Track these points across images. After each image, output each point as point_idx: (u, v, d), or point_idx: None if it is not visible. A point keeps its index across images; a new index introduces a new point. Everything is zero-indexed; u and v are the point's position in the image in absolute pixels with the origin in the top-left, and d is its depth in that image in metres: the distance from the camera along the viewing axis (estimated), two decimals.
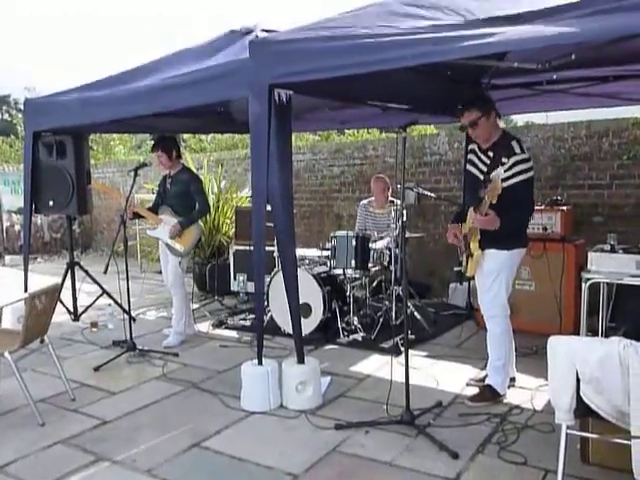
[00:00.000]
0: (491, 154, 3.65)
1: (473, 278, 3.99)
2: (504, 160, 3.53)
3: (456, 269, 4.04)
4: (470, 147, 3.89)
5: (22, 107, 6.08)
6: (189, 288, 6.39)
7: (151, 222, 5.30)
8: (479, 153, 3.75)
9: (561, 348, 2.37)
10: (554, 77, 4.41)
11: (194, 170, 5.91)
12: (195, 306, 6.15)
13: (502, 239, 3.60)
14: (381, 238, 5.47)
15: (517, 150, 3.54)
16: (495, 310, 3.73)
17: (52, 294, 3.83)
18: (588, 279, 3.88)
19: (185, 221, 5.10)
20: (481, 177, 3.68)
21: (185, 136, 16.09)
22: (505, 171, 3.48)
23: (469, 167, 3.83)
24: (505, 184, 3.44)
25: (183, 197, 5.16)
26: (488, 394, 3.76)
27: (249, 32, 4.25)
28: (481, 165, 3.71)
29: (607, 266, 3.86)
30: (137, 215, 5.21)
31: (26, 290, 5.34)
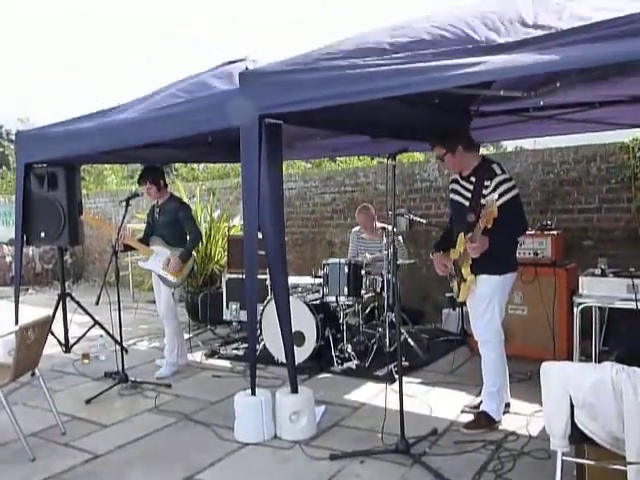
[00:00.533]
0: (473, 179, 3.72)
1: (465, 304, 4.01)
2: (486, 183, 3.60)
3: (448, 295, 4.07)
4: (452, 177, 3.98)
5: (14, 138, 6.11)
6: (182, 317, 6.37)
7: (142, 253, 5.29)
8: (461, 181, 3.84)
9: (554, 374, 2.37)
10: (540, 103, 4.49)
11: (183, 199, 5.93)
12: (188, 336, 6.10)
13: (494, 264, 3.63)
14: (375, 263, 5.48)
15: (498, 171, 3.63)
16: (489, 335, 3.74)
17: (43, 326, 3.80)
18: (580, 303, 3.90)
19: (185, 254, 5.08)
20: (466, 203, 3.73)
21: (177, 165, 16.18)
22: (490, 193, 3.54)
23: (453, 196, 3.91)
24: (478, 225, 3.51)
25: (172, 226, 5.14)
26: (483, 421, 3.73)
27: (240, 62, 4.33)
28: (465, 192, 3.78)
29: (598, 290, 3.88)
30: (128, 247, 5.17)
31: (17, 322, 5.30)
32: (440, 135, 3.87)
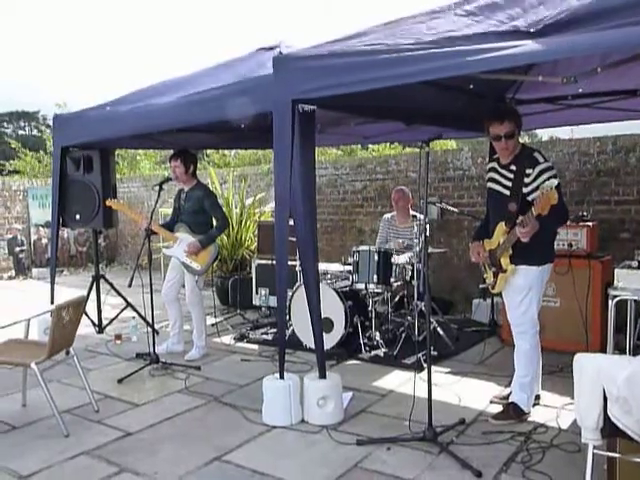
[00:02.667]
0: (513, 167, 3.62)
1: (499, 294, 3.95)
2: (528, 171, 3.52)
3: (482, 286, 3.98)
4: (489, 166, 3.86)
5: (51, 123, 6.22)
6: (211, 302, 6.45)
7: (167, 240, 5.33)
8: (500, 169, 3.72)
9: (587, 366, 2.33)
10: (579, 90, 4.39)
11: (214, 184, 5.95)
12: (217, 320, 6.19)
13: (533, 255, 3.56)
14: (403, 252, 5.45)
15: (540, 160, 3.54)
16: (525, 326, 3.69)
17: (78, 306, 3.89)
18: (615, 296, 3.82)
19: (205, 239, 5.08)
20: (506, 192, 3.64)
21: (208, 151, 16.30)
22: (532, 182, 3.48)
23: (491, 185, 3.79)
24: (536, 194, 3.42)
25: (198, 214, 5.16)
26: (512, 412, 3.70)
27: (274, 48, 4.33)
28: (504, 180, 3.68)
29: (634, 283, 3.78)
30: (153, 232, 5.15)
31: (52, 302, 5.44)
32: (512, 110, 3.70)
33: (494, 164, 3.81)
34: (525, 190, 3.54)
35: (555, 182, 3.26)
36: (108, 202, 5.50)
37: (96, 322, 6.17)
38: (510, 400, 3.77)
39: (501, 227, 3.65)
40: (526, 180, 3.53)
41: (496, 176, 3.75)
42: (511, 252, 3.60)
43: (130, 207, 5.63)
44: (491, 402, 3.98)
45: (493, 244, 3.75)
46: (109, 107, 5.08)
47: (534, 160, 3.54)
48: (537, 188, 3.45)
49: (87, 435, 3.64)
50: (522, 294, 3.64)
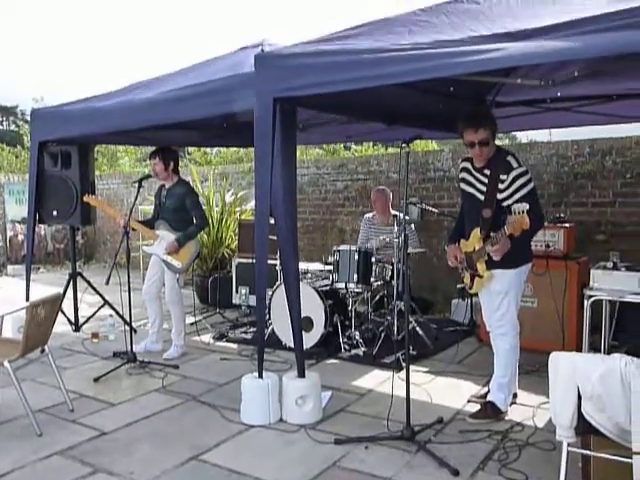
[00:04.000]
0: (487, 172, 3.61)
1: (477, 295, 3.98)
2: (502, 177, 3.52)
3: (459, 286, 4.01)
4: (462, 165, 3.83)
5: (29, 118, 6.13)
6: (191, 300, 6.41)
7: (147, 237, 5.28)
8: (474, 172, 3.71)
9: (562, 364, 2.36)
10: (558, 94, 4.44)
11: (195, 182, 5.89)
12: (197, 318, 6.15)
13: (510, 258, 3.55)
14: (385, 248, 5.48)
15: (514, 165, 3.53)
16: (506, 327, 3.70)
17: (53, 304, 3.84)
18: (590, 296, 3.88)
19: (182, 238, 5.03)
20: (481, 197, 3.63)
21: (190, 149, 16.21)
22: (507, 188, 3.49)
23: (464, 186, 3.78)
24: (511, 200, 3.46)
25: (179, 211, 5.10)
26: (490, 411, 3.73)
27: (256, 47, 4.32)
28: (478, 184, 3.67)
29: (609, 284, 3.85)
30: (133, 229, 5.11)
31: (27, 300, 5.35)
32: (487, 116, 3.67)
33: (467, 164, 3.78)
34: (500, 196, 3.54)
35: (526, 206, 3.25)
36: (86, 198, 5.42)
37: (72, 320, 6.09)
38: (488, 399, 3.80)
39: (476, 233, 3.65)
40: (500, 186, 3.52)
41: (470, 178, 3.74)
42: (487, 258, 3.61)
43: (109, 204, 5.56)
44: (469, 401, 4.01)
45: (469, 247, 3.76)
46: (89, 102, 5.01)
47: (508, 165, 3.52)
48: (512, 194, 3.47)
49: (61, 435, 3.59)
50: (499, 297, 3.67)
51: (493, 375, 3.83)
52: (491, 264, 3.61)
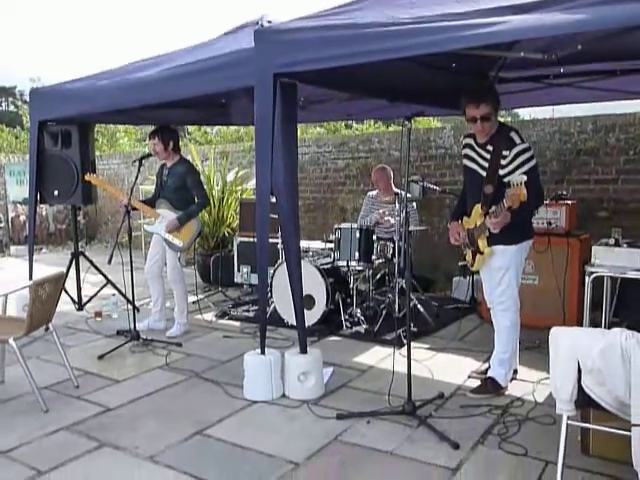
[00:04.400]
0: (490, 148, 3.61)
1: (478, 272, 3.99)
2: (505, 153, 3.51)
3: (461, 263, 4.02)
4: (465, 141, 3.82)
5: (28, 98, 6.10)
6: (193, 279, 6.43)
7: (148, 216, 5.28)
8: (477, 148, 3.70)
9: (563, 339, 2.38)
10: (561, 70, 4.41)
11: (195, 161, 5.86)
12: (199, 297, 6.18)
13: (510, 234, 3.57)
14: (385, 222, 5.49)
15: (517, 141, 3.52)
16: (507, 303, 3.72)
17: (57, 282, 3.86)
18: (592, 272, 3.89)
19: (183, 216, 5.03)
20: (483, 173, 3.63)
21: (190, 128, 16.13)
22: (509, 164, 3.49)
23: (467, 162, 3.78)
24: (512, 177, 3.45)
25: (180, 190, 5.09)
26: (490, 386, 3.77)
27: (256, 24, 4.27)
28: (481, 160, 3.66)
29: (611, 260, 3.86)
30: (134, 208, 5.11)
31: (31, 279, 5.38)
32: (490, 91, 3.66)
33: (470, 140, 3.77)
34: (502, 172, 3.53)
35: (524, 178, 3.25)
36: (87, 177, 5.40)
37: (76, 299, 6.12)
38: (488, 375, 3.83)
39: (477, 209, 3.65)
40: (502, 162, 3.51)
41: (472, 154, 3.73)
42: (488, 234, 3.61)
43: (109, 183, 5.56)
44: (469, 377, 4.04)
45: (471, 223, 3.76)
46: (88, 81, 4.98)
47: (511, 141, 3.52)
48: (514, 170, 3.46)
49: (67, 411, 3.63)
50: (500, 273, 3.68)
51: (494, 351, 3.85)
52: (492, 240, 3.62)
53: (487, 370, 3.92)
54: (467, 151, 3.79)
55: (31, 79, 16.32)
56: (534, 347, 4.51)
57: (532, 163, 3.51)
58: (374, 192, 6.12)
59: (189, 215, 5.08)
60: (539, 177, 3.65)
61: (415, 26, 2.89)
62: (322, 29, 3.26)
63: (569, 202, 5.15)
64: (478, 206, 3.65)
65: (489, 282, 3.82)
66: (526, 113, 17.70)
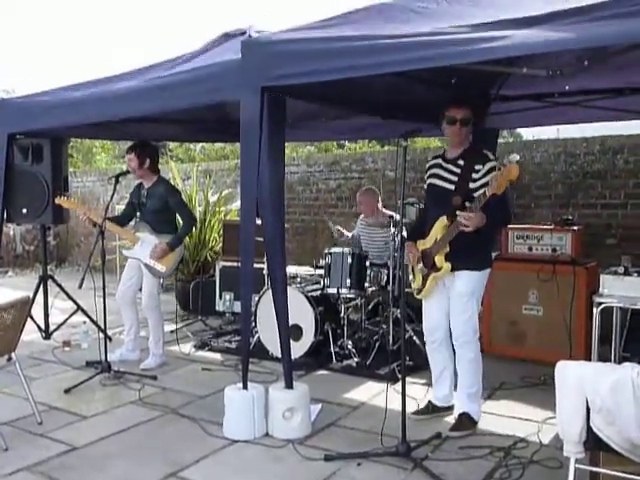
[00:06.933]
0: (461, 162, 3.72)
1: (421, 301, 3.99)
2: (477, 167, 3.63)
3: (406, 290, 3.93)
4: (431, 162, 3.93)
5: None
6: (171, 307, 6.38)
7: (127, 240, 5.26)
8: (445, 164, 3.80)
9: (570, 374, 2.35)
10: (566, 88, 4.47)
11: (175, 179, 5.86)
12: (177, 326, 6.11)
13: (475, 259, 3.69)
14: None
15: (491, 157, 3.68)
16: (469, 335, 3.77)
17: (21, 308, 3.80)
18: (600, 303, 3.88)
19: (175, 241, 5.02)
20: (450, 187, 3.71)
21: (172, 145, 16.20)
22: (481, 177, 3.60)
23: (433, 181, 3.85)
24: (492, 175, 3.51)
25: (161, 212, 5.09)
26: (467, 422, 3.77)
27: (242, 34, 4.30)
28: (449, 175, 3.75)
29: (621, 290, 3.85)
30: (109, 230, 5.06)
31: None
32: (472, 101, 3.80)
33: (437, 160, 3.88)
34: (472, 185, 3.63)
35: (517, 157, 3.30)
36: (57, 200, 5.36)
37: (42, 327, 6.04)
38: (462, 411, 3.82)
39: (442, 221, 3.69)
40: (474, 175, 3.64)
41: (440, 171, 3.82)
42: (447, 250, 3.67)
43: (83, 204, 5.52)
44: (414, 415, 3.95)
45: (427, 243, 3.82)
46: (62, 92, 4.98)
47: (485, 157, 3.68)
48: (485, 185, 3.53)
49: (28, 449, 3.55)
50: (464, 299, 3.73)
51: (459, 387, 3.85)
52: (456, 265, 3.67)
53: (430, 406, 3.99)
54: (434, 170, 3.87)
55: (4, 90, 16.38)
56: (538, 383, 4.49)
57: (517, 156, 3.60)
58: (362, 216, 6.14)
59: (180, 239, 5.08)
60: (509, 197, 3.81)
61: (411, 39, 2.92)
62: (314, 41, 3.29)
63: (575, 228, 5.17)
64: (443, 218, 3.68)
65: (453, 311, 3.78)
66: (529, 133, 17.89)
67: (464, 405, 3.83)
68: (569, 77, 3.74)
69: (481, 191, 3.45)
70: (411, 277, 4.01)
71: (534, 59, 3.62)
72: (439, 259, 3.71)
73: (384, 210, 5.95)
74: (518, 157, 3.31)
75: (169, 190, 5.15)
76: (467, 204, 3.55)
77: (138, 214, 5.24)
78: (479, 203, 3.43)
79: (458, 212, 3.51)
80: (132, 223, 5.41)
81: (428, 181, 3.91)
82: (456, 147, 3.78)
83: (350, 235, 6.00)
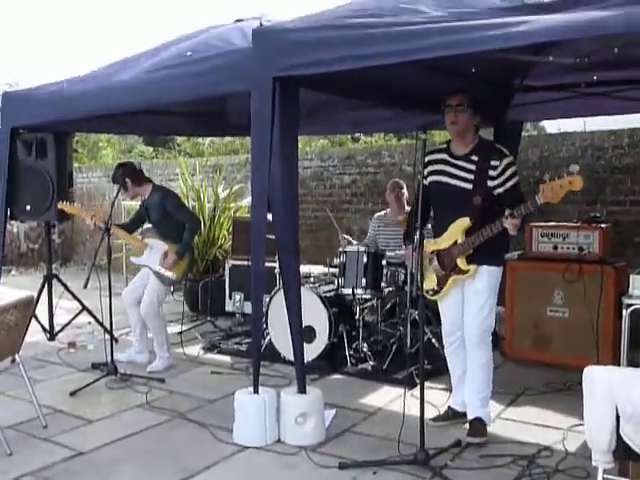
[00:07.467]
0: (474, 158, 3.65)
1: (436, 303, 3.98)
2: (494, 163, 3.59)
3: (418, 293, 3.88)
4: (433, 157, 3.79)
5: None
6: (179, 307, 6.39)
7: (135, 247, 5.32)
8: (454, 160, 3.72)
9: (598, 380, 2.33)
10: (594, 78, 4.43)
11: (180, 177, 5.85)
12: (185, 327, 6.14)
13: (496, 253, 3.70)
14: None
15: (506, 152, 3.66)
16: (485, 335, 3.76)
17: (25, 308, 3.83)
18: (629, 305, 3.83)
19: (182, 249, 5.08)
20: (467, 186, 3.63)
21: (179, 140, 16.27)
22: (500, 175, 3.58)
23: (439, 178, 3.76)
24: (502, 189, 3.59)
25: (165, 220, 5.16)
26: (481, 428, 3.75)
27: (255, 20, 4.30)
28: (464, 173, 3.66)
29: None
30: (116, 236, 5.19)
31: None
32: (470, 92, 3.74)
33: (440, 155, 3.78)
34: (491, 183, 3.59)
35: (577, 167, 3.26)
36: (60, 205, 5.42)
37: (47, 328, 6.09)
38: (474, 416, 3.78)
39: (463, 223, 3.63)
40: (492, 173, 3.59)
41: (448, 168, 3.74)
42: (472, 251, 3.63)
43: (86, 210, 5.56)
44: (433, 420, 3.96)
45: (442, 244, 3.77)
46: (66, 84, 5.00)
47: (500, 152, 3.64)
48: (504, 182, 3.57)
49: (33, 454, 3.58)
50: (483, 297, 3.70)
51: (471, 391, 3.82)
52: (478, 260, 3.64)
53: (450, 412, 3.99)
54: (438, 167, 3.78)
55: (8, 84, 16.53)
56: (563, 389, 4.45)
57: (517, 178, 3.68)
58: (382, 212, 6.11)
59: (187, 245, 5.14)
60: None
61: (431, 26, 2.90)
62: (329, 29, 3.28)
63: (603, 225, 5.11)
64: (465, 219, 3.62)
65: (469, 310, 3.75)
66: (554, 126, 17.79)
67: (477, 410, 3.80)
68: (597, 66, 3.70)
69: (530, 200, 3.38)
70: (424, 279, 3.88)
71: (561, 46, 3.58)
72: (462, 261, 3.66)
73: (406, 205, 5.91)
74: (578, 168, 3.23)
75: (164, 196, 5.21)
76: (508, 211, 3.49)
77: (142, 222, 5.39)
78: (525, 210, 3.40)
79: (506, 220, 3.45)
80: (140, 229, 5.52)
81: (431, 178, 3.80)
82: (461, 141, 3.70)
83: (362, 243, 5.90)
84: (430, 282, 3.86)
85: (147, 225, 5.50)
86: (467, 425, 3.82)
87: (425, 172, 3.81)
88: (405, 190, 5.95)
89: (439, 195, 3.82)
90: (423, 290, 3.88)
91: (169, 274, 5.10)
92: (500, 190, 3.60)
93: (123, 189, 5.17)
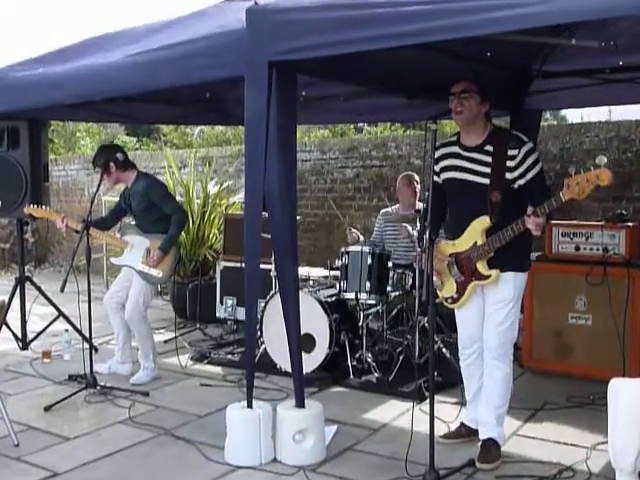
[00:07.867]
0: (489, 148, 3.62)
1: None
2: (512, 152, 3.55)
3: (437, 301, 3.88)
4: (444, 151, 3.79)
5: None
6: (167, 313, 6.41)
7: (114, 246, 5.31)
8: (466, 153, 3.69)
9: (625, 393, 2.34)
10: (620, 63, 4.43)
11: (167, 169, 5.86)
12: (172, 336, 6.15)
13: (520, 256, 3.68)
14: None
15: (525, 138, 3.62)
16: (507, 346, 3.75)
17: None
18: None
19: (166, 244, 5.05)
20: (483, 181, 3.61)
21: (165, 129, 16.27)
22: (519, 165, 3.55)
23: (452, 175, 3.75)
24: (523, 180, 3.56)
25: (148, 211, 5.15)
26: (496, 451, 3.72)
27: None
28: (478, 167, 3.64)
29: None
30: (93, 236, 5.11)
31: None
32: (476, 78, 3.72)
33: (451, 148, 3.77)
34: (509, 176, 3.57)
35: (605, 159, 3.19)
36: (27, 209, 5.41)
37: (19, 336, 6.08)
38: (487, 437, 3.76)
39: (482, 222, 3.60)
40: (510, 164, 3.56)
41: (460, 162, 3.72)
42: (492, 254, 3.60)
43: (57, 211, 5.56)
44: (444, 437, 3.96)
45: (460, 246, 3.73)
46: (41, 66, 5.00)
47: (518, 139, 3.61)
48: (525, 173, 3.55)
49: (4, 475, 3.58)
50: (508, 306, 3.68)
51: (488, 408, 3.79)
52: (502, 265, 3.61)
53: (463, 429, 3.99)
54: (450, 162, 3.77)
55: None
56: (587, 403, 4.46)
57: (540, 165, 3.63)
58: (389, 209, 6.12)
59: (172, 240, 5.11)
60: (546, 181, 3.75)
61: (439, 6, 2.91)
62: (330, 8, 3.28)
63: (630, 224, 5.12)
64: (484, 218, 3.59)
65: (490, 320, 3.73)
66: (576, 116, 17.80)
67: (491, 429, 3.77)
68: (624, 50, 3.70)
69: (554, 197, 3.32)
70: (437, 283, 3.90)
71: (585, 28, 3.58)
72: (482, 265, 3.63)
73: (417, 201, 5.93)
74: (606, 160, 3.18)
75: (150, 183, 5.19)
76: (530, 209, 3.47)
77: (129, 218, 5.34)
78: (548, 208, 3.35)
79: (529, 219, 3.40)
80: (118, 226, 5.51)
81: (444, 175, 3.79)
82: (470, 131, 3.68)
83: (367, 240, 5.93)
84: (449, 289, 3.83)
85: (126, 220, 5.49)
86: (478, 446, 3.82)
87: (437, 169, 3.80)
88: (416, 183, 5.96)
89: (453, 193, 3.81)
90: (441, 297, 3.89)
91: (154, 272, 5.08)
92: (521, 182, 3.55)
93: (106, 174, 5.09)
